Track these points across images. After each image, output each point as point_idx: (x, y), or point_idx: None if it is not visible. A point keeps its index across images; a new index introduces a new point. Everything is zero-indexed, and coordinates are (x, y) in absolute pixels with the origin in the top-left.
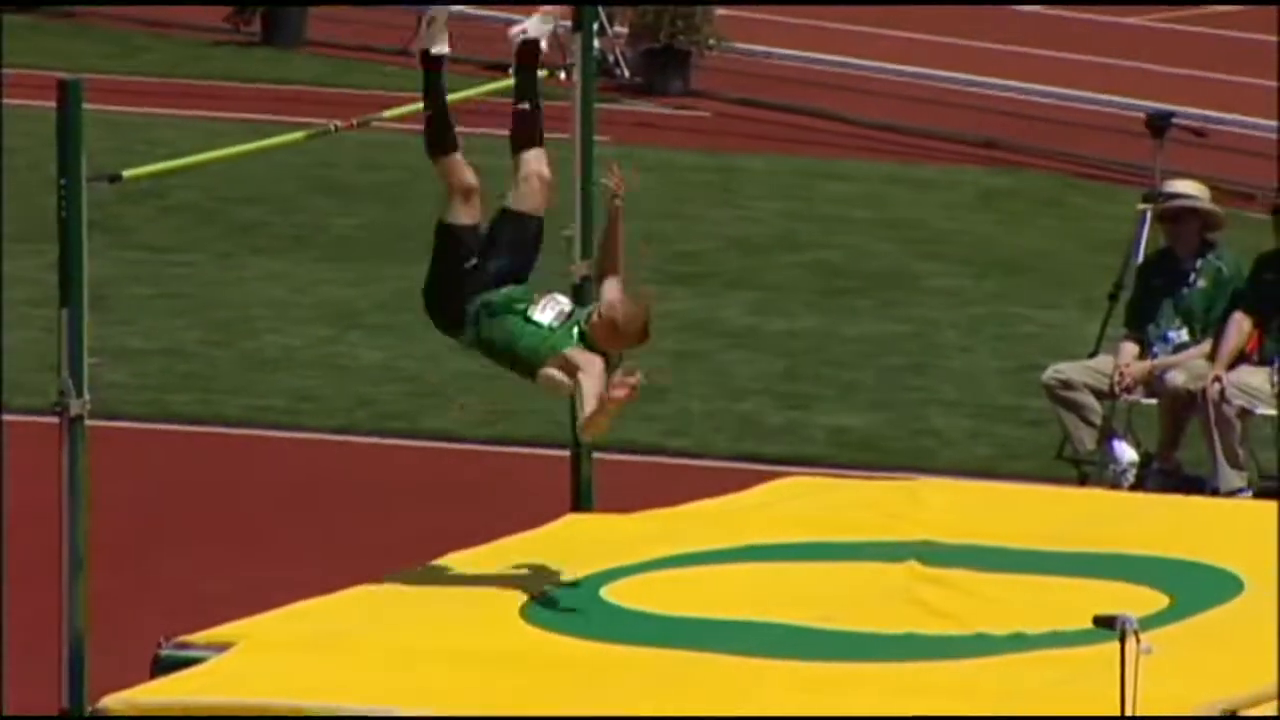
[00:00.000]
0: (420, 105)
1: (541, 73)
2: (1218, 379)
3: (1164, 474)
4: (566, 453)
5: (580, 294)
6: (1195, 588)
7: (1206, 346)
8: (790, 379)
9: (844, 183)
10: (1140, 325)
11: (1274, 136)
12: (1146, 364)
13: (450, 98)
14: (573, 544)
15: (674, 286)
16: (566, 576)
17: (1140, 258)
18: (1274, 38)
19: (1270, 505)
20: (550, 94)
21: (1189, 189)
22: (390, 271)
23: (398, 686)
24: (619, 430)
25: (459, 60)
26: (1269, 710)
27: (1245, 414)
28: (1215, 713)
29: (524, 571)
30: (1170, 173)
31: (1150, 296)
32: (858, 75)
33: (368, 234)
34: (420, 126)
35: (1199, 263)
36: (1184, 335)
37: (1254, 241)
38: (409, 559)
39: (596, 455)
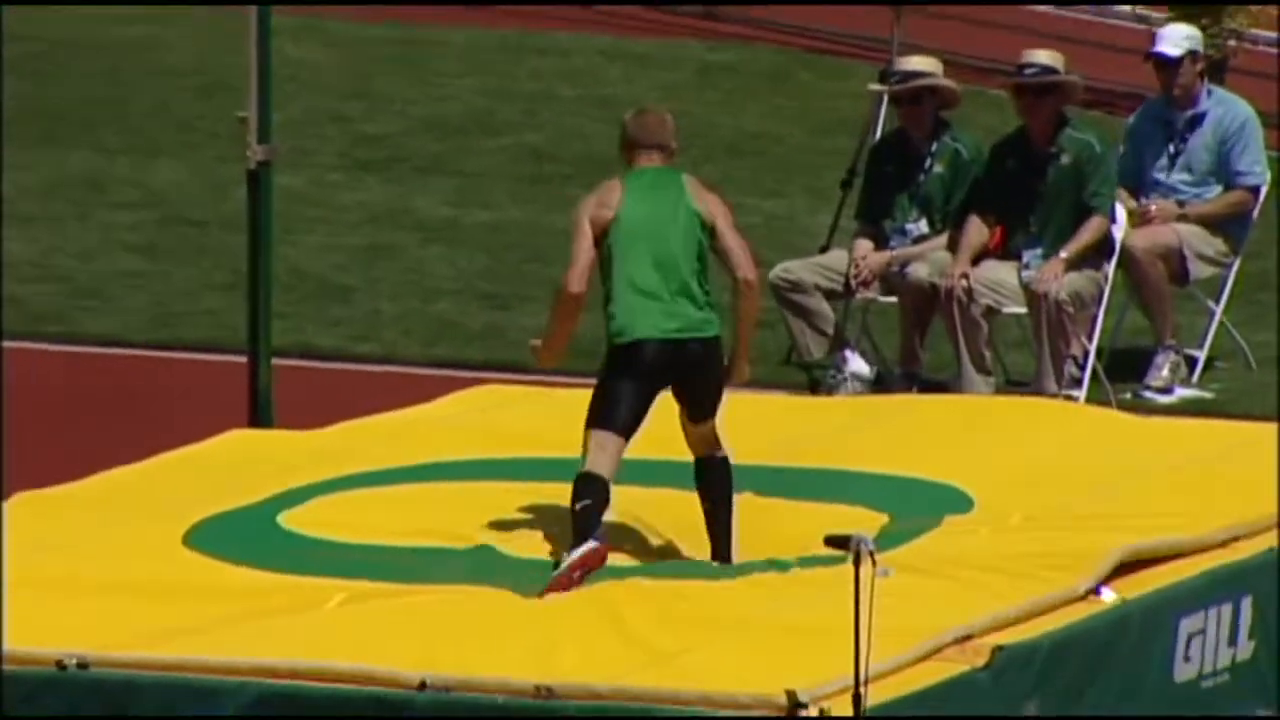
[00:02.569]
0: None
1: None
2: (964, 276)
3: (908, 379)
4: (243, 359)
5: (255, 180)
6: (918, 507)
7: (947, 238)
8: (492, 277)
9: (550, 57)
10: (873, 217)
11: (1016, 6)
12: (885, 255)
13: None
14: (242, 462)
15: (361, 174)
16: (236, 498)
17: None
18: None
19: (1014, 401)
20: None
21: (923, 65)
22: (40, 156)
23: (50, 622)
24: (299, 334)
25: None
26: (1003, 637)
27: (992, 313)
28: (948, 640)
29: (189, 492)
30: (908, 47)
31: (883, 185)
32: None
33: (13, 113)
34: None
35: (934, 145)
36: (923, 227)
37: (995, 121)
38: (64, 477)
39: (276, 361)
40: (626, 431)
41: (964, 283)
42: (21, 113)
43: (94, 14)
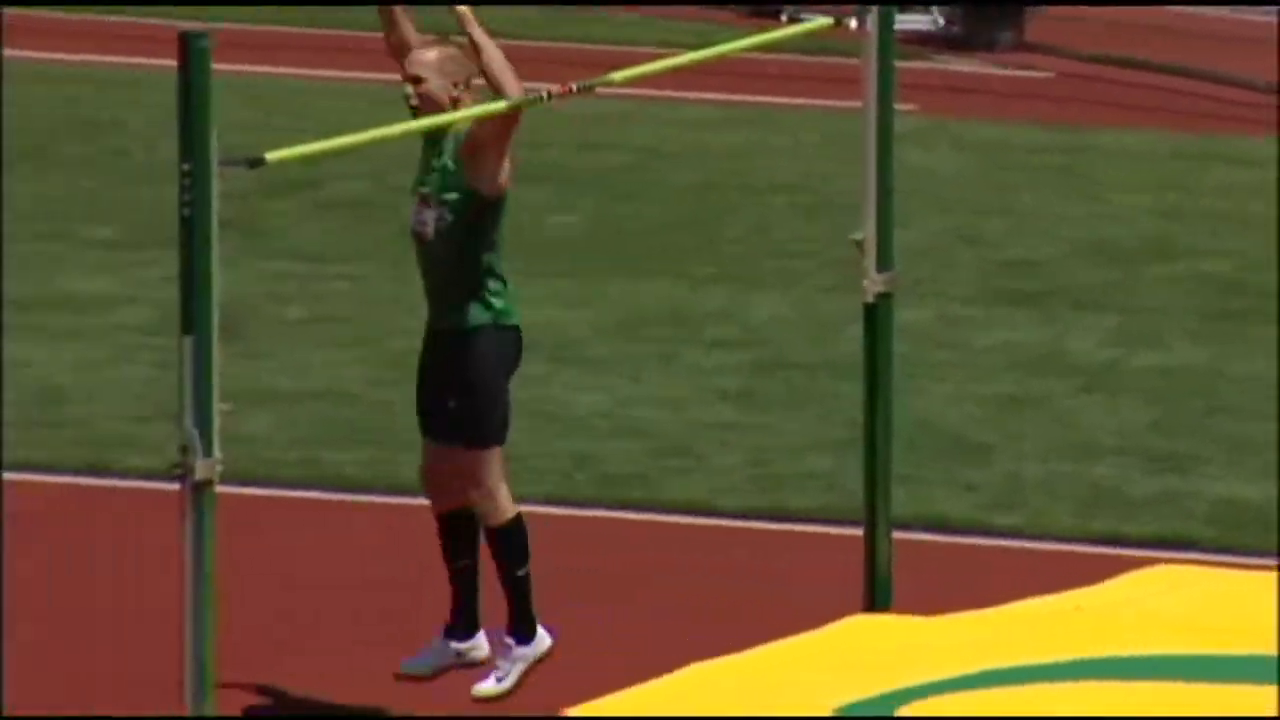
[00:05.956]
0: (672, 61)
1: (827, 20)
2: None
3: None
4: (858, 531)
5: (873, 315)
6: None
7: None
8: (1162, 433)
9: (1239, 168)
10: None
11: None
12: None
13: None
14: (859, 653)
15: (1003, 308)
16: (853, 696)
17: None
18: None
19: None
20: (836, 47)
21: None
22: (615, 287)
23: None
24: (926, 501)
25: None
26: None
27: None
28: None
29: (801, 687)
30: None
31: None
32: None
33: (586, 235)
34: (654, 91)
35: None
36: None
37: None
38: (661, 665)
39: (897, 535)
40: None
41: None
42: (597, 234)
43: (688, 119)
